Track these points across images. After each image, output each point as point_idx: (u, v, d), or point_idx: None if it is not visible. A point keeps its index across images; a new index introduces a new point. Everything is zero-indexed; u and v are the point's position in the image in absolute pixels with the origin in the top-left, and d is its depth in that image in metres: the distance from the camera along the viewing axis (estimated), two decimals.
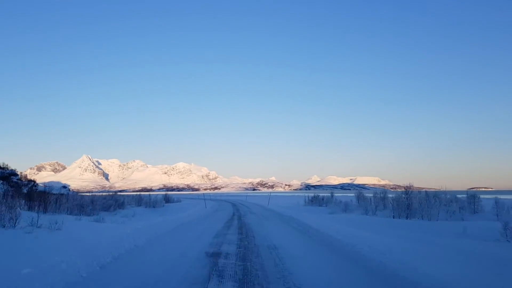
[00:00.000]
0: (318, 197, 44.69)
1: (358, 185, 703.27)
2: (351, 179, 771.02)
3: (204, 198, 61.43)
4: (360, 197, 40.37)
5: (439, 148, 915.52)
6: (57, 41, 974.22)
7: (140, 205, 49.52)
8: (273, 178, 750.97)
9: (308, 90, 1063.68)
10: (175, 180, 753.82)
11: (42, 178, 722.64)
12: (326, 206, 41.32)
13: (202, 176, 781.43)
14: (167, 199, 59.29)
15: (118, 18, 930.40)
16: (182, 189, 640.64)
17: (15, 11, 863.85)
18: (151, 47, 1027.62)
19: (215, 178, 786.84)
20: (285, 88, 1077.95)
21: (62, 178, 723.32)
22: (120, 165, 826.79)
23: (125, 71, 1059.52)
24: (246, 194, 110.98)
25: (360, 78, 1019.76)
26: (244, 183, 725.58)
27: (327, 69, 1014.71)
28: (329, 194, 44.86)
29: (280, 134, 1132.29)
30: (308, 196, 47.84)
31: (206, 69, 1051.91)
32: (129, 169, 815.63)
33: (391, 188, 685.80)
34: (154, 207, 47.68)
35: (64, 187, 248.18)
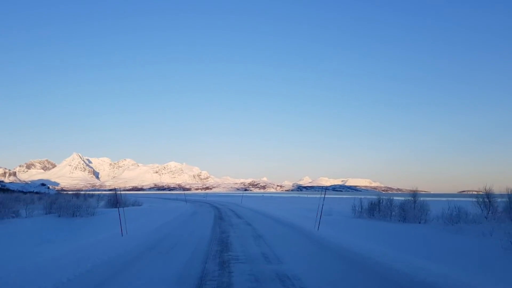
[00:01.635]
0: (391, 203, 21.82)
1: (350, 187, 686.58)
2: (342, 181, 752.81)
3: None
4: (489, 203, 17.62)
5: (431, 150, 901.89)
6: (48, 38, 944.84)
7: (50, 212, 26.61)
8: (264, 179, 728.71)
9: (300, 91, 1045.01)
10: (166, 179, 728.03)
11: (32, 175, 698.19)
12: (420, 222, 18.62)
13: (194, 176, 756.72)
14: (112, 203, 36.33)
15: (111, 16, 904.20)
16: (173, 188, 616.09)
17: (8, 7, 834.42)
18: (144, 46, 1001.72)
19: (207, 178, 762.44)
20: (277, 89, 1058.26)
21: (52, 176, 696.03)
22: (111, 164, 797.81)
23: (118, 70, 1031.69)
24: (241, 194, 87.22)
25: (353, 80, 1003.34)
26: (236, 183, 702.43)
27: (320, 70, 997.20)
28: (410, 198, 21.79)
29: (272, 135, 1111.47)
30: (360, 201, 24.80)
31: (198, 68, 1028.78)
32: (120, 168, 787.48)
33: (383, 190, 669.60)
34: (74, 215, 24.98)
35: (43, 184, 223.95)
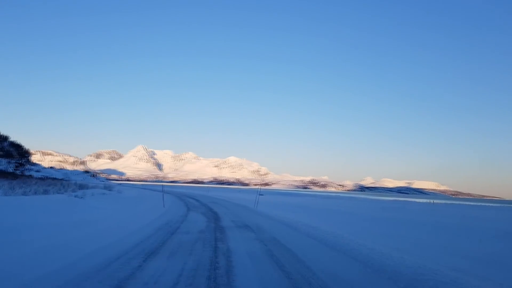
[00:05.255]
0: None
1: (416, 190, 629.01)
2: (407, 183, 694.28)
3: None
4: None
5: (503, 155, 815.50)
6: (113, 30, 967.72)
7: None
8: (325, 178, 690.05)
9: (363, 91, 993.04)
10: (226, 174, 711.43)
11: (100, 165, 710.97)
12: None
13: (253, 171, 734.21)
14: None
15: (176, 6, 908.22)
16: (232, 183, 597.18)
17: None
18: (213, 40, 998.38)
19: (266, 174, 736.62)
20: (339, 89, 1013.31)
21: (118, 166, 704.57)
22: (173, 156, 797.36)
23: (181, 65, 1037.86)
24: (303, 192, 55.10)
25: (418, 81, 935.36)
26: (295, 180, 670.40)
27: (385, 71, 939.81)
28: None
29: (334, 134, 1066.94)
30: None
31: (264, 68, 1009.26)
32: (182, 161, 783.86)
33: (452, 194, 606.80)
34: None
35: (87, 172, 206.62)
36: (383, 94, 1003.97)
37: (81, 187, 34.11)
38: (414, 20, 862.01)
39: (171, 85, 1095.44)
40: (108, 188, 37.07)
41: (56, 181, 53.75)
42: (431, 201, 51.99)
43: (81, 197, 22.46)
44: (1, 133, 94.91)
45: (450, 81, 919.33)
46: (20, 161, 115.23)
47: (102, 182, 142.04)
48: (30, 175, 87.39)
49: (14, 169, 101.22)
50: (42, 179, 60.64)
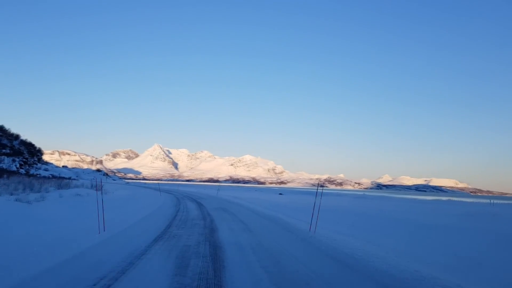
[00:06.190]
0: None
1: (434, 187, 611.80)
2: (425, 181, 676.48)
3: None
4: None
5: None
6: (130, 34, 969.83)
7: None
8: (341, 175, 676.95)
9: (380, 88, 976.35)
10: (241, 172, 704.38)
11: (117, 164, 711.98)
12: None
13: (268, 170, 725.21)
14: None
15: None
16: (248, 181, 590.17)
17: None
18: (228, 39, 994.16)
19: (281, 172, 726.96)
20: (356, 85, 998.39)
21: (135, 165, 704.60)
22: (189, 155, 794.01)
23: (196, 66, 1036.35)
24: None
25: (436, 78, 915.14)
26: (311, 179, 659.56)
27: (402, 70, 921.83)
28: None
29: (350, 131, 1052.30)
30: None
31: (278, 67, 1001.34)
32: (197, 159, 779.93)
33: (471, 192, 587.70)
34: None
35: (99, 170, 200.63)
36: (400, 92, 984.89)
37: (60, 186, 27.19)
38: (426, 19, 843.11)
39: (186, 84, 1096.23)
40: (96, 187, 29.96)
41: (53, 180, 47.93)
42: (491, 201, 43.67)
43: (27, 202, 15.20)
44: (12, 132, 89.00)
45: (468, 77, 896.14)
46: (27, 160, 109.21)
47: (114, 181, 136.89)
48: (36, 174, 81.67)
49: (18, 168, 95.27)
50: (43, 178, 54.78)
